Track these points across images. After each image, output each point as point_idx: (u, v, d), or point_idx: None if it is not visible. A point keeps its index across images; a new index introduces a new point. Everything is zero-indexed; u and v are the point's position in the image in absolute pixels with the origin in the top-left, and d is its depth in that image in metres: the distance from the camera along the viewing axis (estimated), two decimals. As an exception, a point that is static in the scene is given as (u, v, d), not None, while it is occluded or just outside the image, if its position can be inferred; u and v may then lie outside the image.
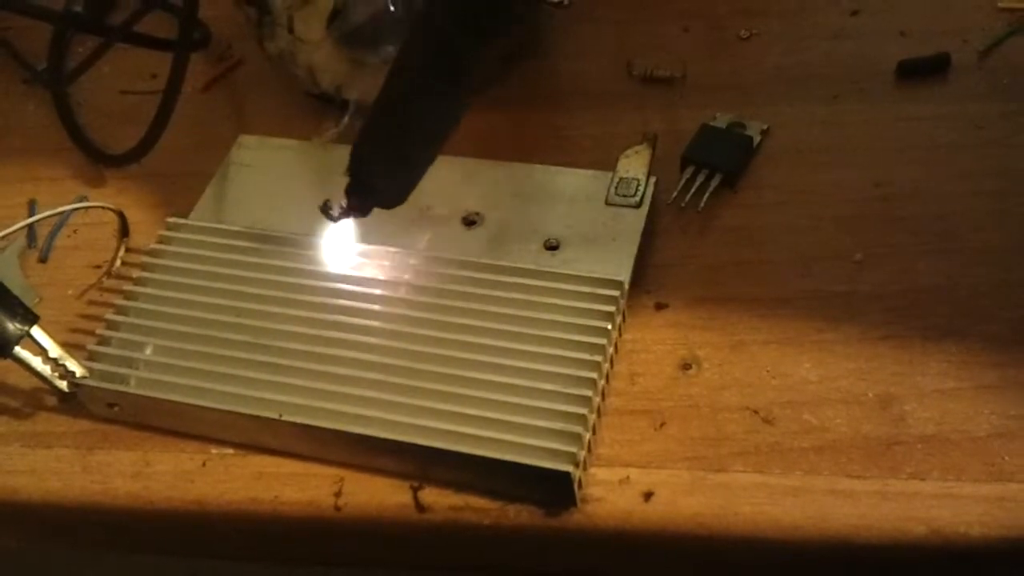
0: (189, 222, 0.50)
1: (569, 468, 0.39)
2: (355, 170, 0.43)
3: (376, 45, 0.52)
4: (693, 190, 0.50)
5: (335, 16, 0.52)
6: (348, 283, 0.46)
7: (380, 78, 0.53)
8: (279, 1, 0.53)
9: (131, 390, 0.44)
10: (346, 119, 0.53)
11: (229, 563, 0.49)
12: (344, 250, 0.48)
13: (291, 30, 0.53)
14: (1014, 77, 0.54)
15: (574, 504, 0.40)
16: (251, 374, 0.43)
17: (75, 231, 0.53)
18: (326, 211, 0.45)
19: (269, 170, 0.53)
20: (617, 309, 0.44)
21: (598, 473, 0.41)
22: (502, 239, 0.48)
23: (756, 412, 0.42)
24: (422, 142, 0.42)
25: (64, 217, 0.53)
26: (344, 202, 0.44)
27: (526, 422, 0.41)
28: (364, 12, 0.52)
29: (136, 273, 0.48)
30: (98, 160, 0.56)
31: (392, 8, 0.51)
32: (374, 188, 0.43)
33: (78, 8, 0.59)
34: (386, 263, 0.47)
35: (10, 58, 0.64)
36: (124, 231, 0.51)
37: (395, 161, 0.42)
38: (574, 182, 0.50)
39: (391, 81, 0.42)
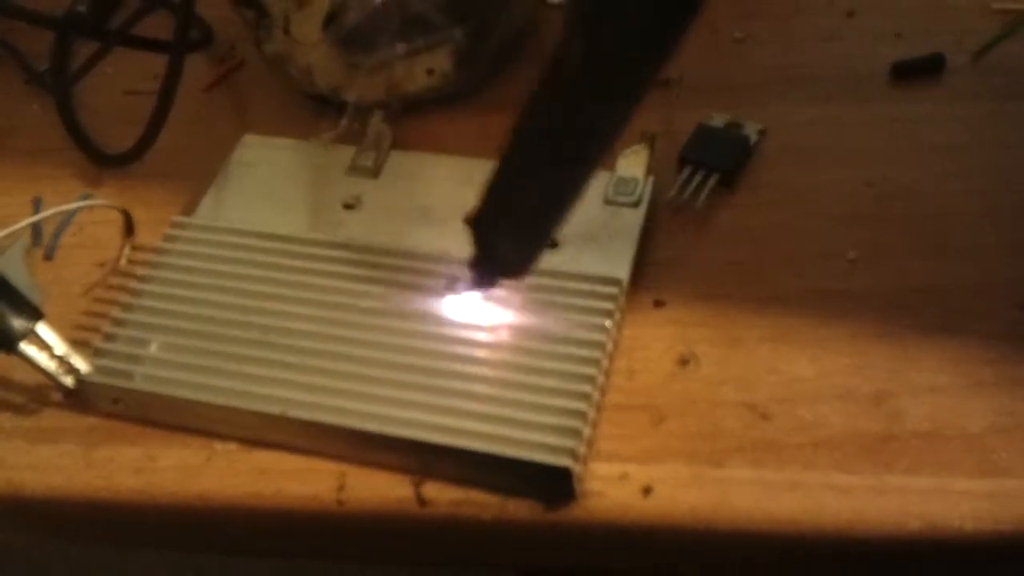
0: (194, 221, 0.50)
1: (569, 463, 0.39)
2: (481, 242, 0.39)
3: (372, 47, 0.53)
4: (691, 189, 0.50)
5: (331, 18, 0.52)
6: (349, 281, 0.47)
7: (375, 79, 0.54)
8: (275, 3, 0.54)
9: (136, 386, 0.44)
10: (344, 121, 0.53)
11: (232, 558, 0.49)
12: (346, 250, 0.48)
13: (287, 32, 0.54)
14: (1008, 78, 0.55)
15: (573, 499, 0.40)
16: (255, 370, 0.44)
17: (80, 229, 0.53)
18: (452, 287, 0.44)
19: (272, 170, 0.54)
20: (616, 306, 0.44)
21: (597, 468, 0.41)
22: (502, 238, 0.49)
23: (753, 408, 0.42)
24: (551, 210, 0.38)
25: (69, 215, 0.54)
26: (471, 276, 0.41)
27: (526, 418, 0.41)
28: (359, 14, 0.52)
29: (141, 271, 0.48)
30: (98, 160, 0.56)
31: (386, 11, 0.52)
32: (502, 260, 0.40)
33: (82, 8, 0.59)
34: (387, 262, 0.47)
35: (12, 59, 0.65)
36: (129, 229, 0.51)
37: (523, 232, 0.39)
38: (573, 181, 0.51)
39: (515, 144, 0.37)
